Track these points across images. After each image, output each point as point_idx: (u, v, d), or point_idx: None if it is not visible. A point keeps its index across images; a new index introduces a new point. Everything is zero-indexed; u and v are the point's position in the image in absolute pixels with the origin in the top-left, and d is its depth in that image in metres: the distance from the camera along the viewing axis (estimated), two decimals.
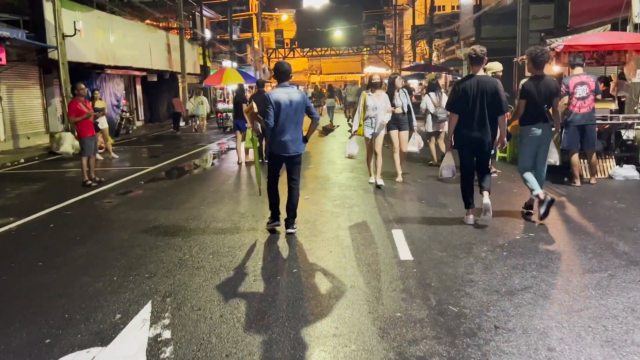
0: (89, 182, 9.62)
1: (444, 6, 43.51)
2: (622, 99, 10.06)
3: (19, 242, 6.33)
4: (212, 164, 13.23)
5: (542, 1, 18.97)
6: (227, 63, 37.02)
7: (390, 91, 8.80)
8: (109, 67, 20.19)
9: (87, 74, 18.75)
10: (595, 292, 4.14)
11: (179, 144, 17.81)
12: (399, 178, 9.01)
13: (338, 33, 47.91)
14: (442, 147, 10.60)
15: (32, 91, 17.45)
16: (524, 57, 6.59)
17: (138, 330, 3.75)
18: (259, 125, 6.14)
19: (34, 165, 13.45)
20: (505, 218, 6.50)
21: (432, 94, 10.27)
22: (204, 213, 7.27)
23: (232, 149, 15.27)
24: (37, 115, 17.72)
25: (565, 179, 8.40)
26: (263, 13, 53.31)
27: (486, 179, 6.21)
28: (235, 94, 13.47)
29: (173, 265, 5.12)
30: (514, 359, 3.20)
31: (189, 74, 28.25)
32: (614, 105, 9.52)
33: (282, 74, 5.93)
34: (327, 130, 18.55)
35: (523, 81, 6.59)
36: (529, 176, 6.27)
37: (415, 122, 9.06)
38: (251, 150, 11.53)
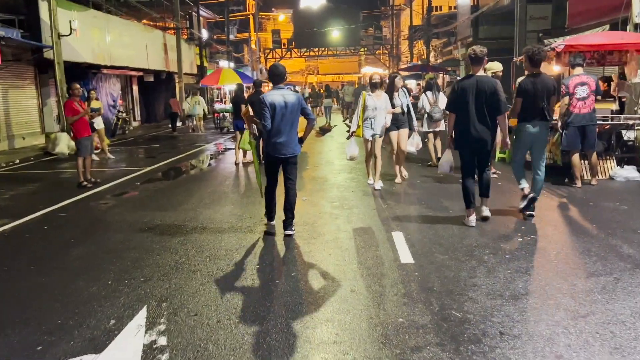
0: (85, 183, 9.51)
1: (441, 6, 43.45)
2: (623, 99, 9.99)
3: (12, 244, 6.21)
4: (209, 164, 13.12)
5: (540, 1, 18.93)
6: (224, 63, 36.87)
7: (390, 91, 8.70)
8: (106, 67, 20.05)
9: (83, 73, 18.59)
10: (601, 296, 4.05)
11: (176, 144, 17.70)
12: (398, 179, 8.92)
13: (335, 33, 47.80)
14: (439, 147, 10.55)
15: (27, 91, 17.31)
16: (522, 57, 6.61)
17: (133, 337, 3.64)
18: (256, 127, 6.10)
19: (29, 165, 13.32)
20: (506, 220, 6.41)
21: (428, 93, 10.27)
22: (200, 215, 7.16)
23: (230, 149, 15.18)
24: (33, 115, 17.57)
25: (566, 180, 8.32)
26: (260, 13, 53.16)
27: (485, 184, 6.26)
28: (234, 94, 13.36)
29: (169, 269, 5.01)
30: None
31: (185, 74, 28.12)
32: (614, 106, 9.45)
33: (276, 77, 5.95)
34: (324, 130, 18.50)
35: (520, 79, 6.61)
36: (518, 171, 6.55)
37: (415, 122, 8.98)
38: (249, 152, 11.41)
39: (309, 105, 26.70)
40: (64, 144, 14.83)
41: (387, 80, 9.24)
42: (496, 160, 10.13)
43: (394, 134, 8.76)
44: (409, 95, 9.23)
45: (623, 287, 4.21)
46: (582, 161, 8.40)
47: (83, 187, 9.36)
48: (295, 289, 4.43)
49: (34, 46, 15.70)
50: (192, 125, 22.33)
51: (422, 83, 23.38)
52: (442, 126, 10.34)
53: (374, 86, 8.30)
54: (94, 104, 13.23)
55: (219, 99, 31.92)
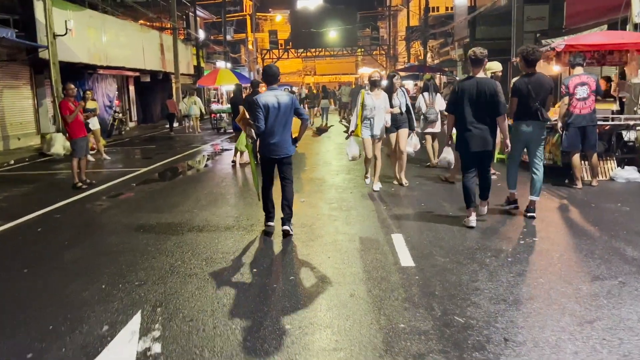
0: (80, 184, 9.38)
1: (438, 7, 43.36)
2: (623, 100, 9.92)
3: (5, 247, 6.08)
4: (206, 165, 13.01)
5: (537, 2, 18.85)
6: (221, 64, 36.77)
7: (389, 90, 8.59)
8: (102, 67, 19.90)
9: (79, 74, 18.46)
10: (607, 301, 3.95)
11: (173, 145, 17.58)
12: (400, 182, 8.79)
13: (332, 34, 47.72)
14: (437, 149, 10.46)
15: (22, 91, 17.15)
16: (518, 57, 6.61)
17: (126, 344, 3.53)
18: (252, 130, 6.05)
19: (24, 166, 13.18)
20: (507, 221, 6.33)
21: (425, 94, 10.27)
22: (197, 216, 7.05)
23: (227, 150, 15.08)
24: (28, 116, 17.41)
25: (567, 181, 8.24)
26: (257, 14, 52.89)
27: (486, 187, 6.28)
28: (232, 95, 13.24)
29: (164, 272, 4.90)
30: None
31: (182, 74, 27.99)
32: (615, 106, 9.37)
33: (270, 77, 5.97)
34: (321, 130, 18.44)
35: (515, 79, 6.62)
36: (512, 175, 6.67)
37: (415, 122, 8.87)
38: (245, 153, 11.31)
39: (306, 106, 26.74)
40: (60, 144, 14.68)
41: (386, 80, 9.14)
42: (495, 161, 10.04)
43: (392, 136, 8.64)
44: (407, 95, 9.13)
45: (629, 292, 4.11)
46: (583, 162, 8.33)
47: (78, 189, 9.24)
48: (293, 293, 4.33)
49: (29, 46, 15.57)
50: (189, 125, 22.21)
51: (420, 84, 23.33)
52: (437, 127, 10.29)
53: (373, 84, 8.20)
54: (90, 105, 13.12)
55: (216, 100, 31.83)
